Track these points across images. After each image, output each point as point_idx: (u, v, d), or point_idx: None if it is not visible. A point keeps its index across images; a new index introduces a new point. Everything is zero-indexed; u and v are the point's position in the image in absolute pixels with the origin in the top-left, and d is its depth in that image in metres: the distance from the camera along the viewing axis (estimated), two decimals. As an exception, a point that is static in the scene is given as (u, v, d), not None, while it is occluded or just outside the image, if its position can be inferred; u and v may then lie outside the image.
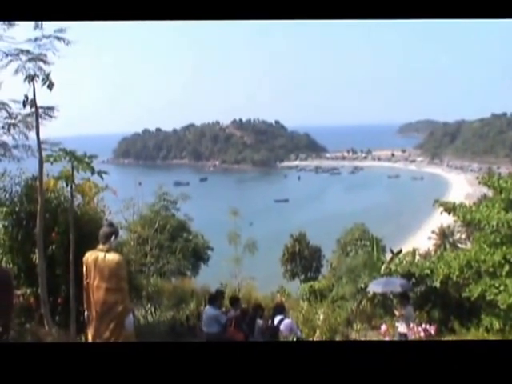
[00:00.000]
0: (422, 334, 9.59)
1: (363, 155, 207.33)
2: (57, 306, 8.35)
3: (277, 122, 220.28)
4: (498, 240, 11.96)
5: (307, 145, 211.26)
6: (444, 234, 44.41)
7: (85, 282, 5.67)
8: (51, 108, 7.67)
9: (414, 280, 13.67)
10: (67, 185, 8.31)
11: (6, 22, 6.65)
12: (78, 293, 6.74)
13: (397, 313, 10.60)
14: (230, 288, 15.91)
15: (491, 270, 11.53)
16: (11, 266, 8.54)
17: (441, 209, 13.62)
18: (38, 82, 7.10)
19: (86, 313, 5.78)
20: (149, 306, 11.80)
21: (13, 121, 7.72)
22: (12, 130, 7.76)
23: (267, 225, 76.54)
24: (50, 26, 7.10)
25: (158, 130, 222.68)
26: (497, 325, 11.35)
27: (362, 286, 15.04)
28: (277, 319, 8.92)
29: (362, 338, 11.75)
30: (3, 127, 7.71)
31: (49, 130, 7.75)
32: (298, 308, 13.65)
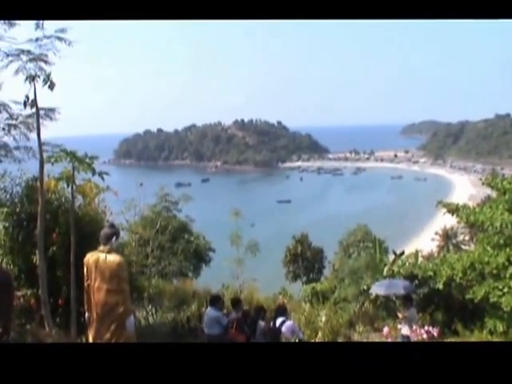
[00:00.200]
0: (425, 336, 9.58)
1: (366, 156, 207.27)
2: (57, 307, 8.35)
3: (279, 123, 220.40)
4: (501, 242, 11.93)
5: (309, 145, 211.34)
6: (447, 236, 44.34)
7: (85, 284, 5.67)
8: (52, 110, 7.67)
9: (416, 282, 13.64)
10: (68, 186, 8.31)
11: (7, 22, 6.66)
12: (79, 294, 6.74)
13: (400, 315, 10.58)
14: (232, 289, 15.90)
15: (495, 271, 11.50)
16: (12, 267, 8.55)
17: (444, 210, 13.59)
18: (39, 83, 7.11)
19: (86, 314, 5.78)
20: (150, 307, 11.80)
21: (14, 122, 7.73)
22: (13, 131, 7.77)
23: (269, 226, 76.51)
24: (50, 26, 7.11)
25: (160, 130, 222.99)
26: (500, 327, 11.31)
27: (365, 287, 15.02)
28: (279, 321, 8.91)
29: (365, 340, 11.73)
30: (4, 128, 7.72)
31: (49, 130, 7.76)
32: (300, 310, 13.64)
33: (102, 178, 8.42)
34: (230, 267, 17.35)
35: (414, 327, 9.82)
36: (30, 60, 7.06)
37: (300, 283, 31.33)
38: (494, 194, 14.65)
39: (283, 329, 8.73)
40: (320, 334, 10.80)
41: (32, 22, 6.89)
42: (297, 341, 8.34)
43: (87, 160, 7.90)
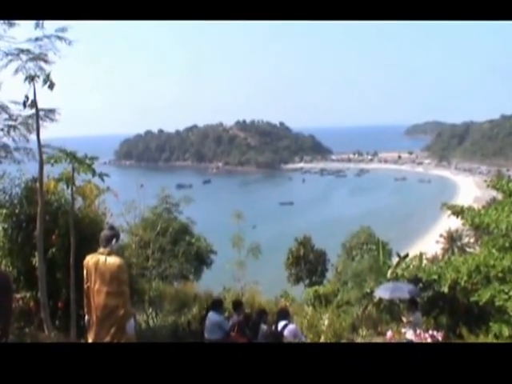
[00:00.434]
0: (429, 340, 9.55)
1: (369, 157, 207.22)
2: (57, 310, 8.35)
3: (281, 124, 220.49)
4: (507, 244, 11.89)
5: (312, 146, 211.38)
6: (452, 238, 44.29)
7: (85, 286, 5.67)
8: (52, 110, 7.68)
9: (421, 285, 13.61)
10: (68, 187, 8.31)
11: (7, 22, 6.67)
12: (79, 297, 6.74)
13: (404, 319, 10.55)
14: (233, 292, 15.89)
15: (500, 275, 11.46)
16: (11, 269, 8.56)
17: (449, 212, 13.56)
18: (39, 83, 7.11)
19: (86, 317, 5.78)
20: (150, 310, 11.80)
21: (13, 123, 7.73)
22: (12, 133, 7.77)
23: (271, 228, 76.55)
24: (50, 26, 7.12)
25: (161, 131, 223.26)
26: (506, 331, 11.27)
27: (368, 290, 15.00)
28: (281, 324, 8.90)
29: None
30: (3, 129, 7.73)
31: (49, 131, 7.76)
32: (303, 313, 13.62)
33: (102, 179, 8.43)
34: (232, 270, 17.33)
35: (418, 331, 9.80)
36: (30, 59, 7.07)
37: (302, 286, 31.28)
38: (499, 196, 14.60)
39: (285, 332, 8.72)
40: (323, 338, 10.78)
41: (32, 22, 6.90)
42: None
43: (87, 161, 7.90)
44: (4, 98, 7.59)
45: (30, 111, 7.44)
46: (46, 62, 7.14)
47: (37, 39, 7.12)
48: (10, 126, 7.75)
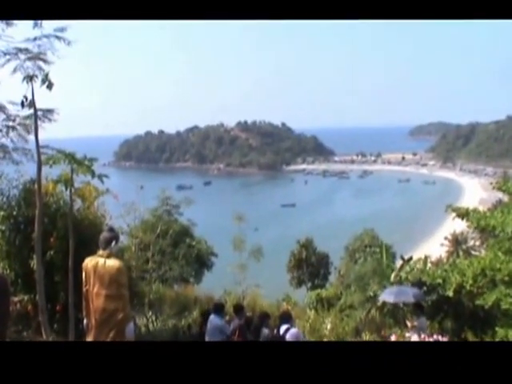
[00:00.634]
0: (434, 344, 9.51)
1: (373, 158, 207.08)
2: (55, 313, 8.36)
3: (283, 124, 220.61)
4: (513, 247, 11.87)
5: (315, 148, 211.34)
6: (457, 241, 44.19)
7: (84, 289, 5.66)
8: (51, 111, 7.68)
9: (425, 288, 13.58)
10: (66, 188, 8.31)
11: (4, 21, 6.68)
12: (77, 300, 6.74)
13: (409, 324, 10.51)
14: (235, 296, 15.90)
15: (507, 278, 11.42)
16: (8, 271, 8.56)
17: (453, 214, 13.53)
18: (37, 82, 7.11)
19: (85, 321, 5.77)
20: (150, 313, 11.80)
21: (11, 123, 7.74)
22: (10, 133, 7.78)
23: (273, 230, 76.53)
24: (49, 25, 7.12)
25: (161, 131, 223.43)
26: (512, 336, 11.24)
27: (371, 294, 14.97)
28: (283, 328, 8.87)
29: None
30: (1, 130, 7.73)
31: (48, 131, 7.77)
32: (305, 317, 13.63)
33: (102, 181, 8.43)
34: (233, 272, 17.34)
35: (423, 336, 9.77)
36: (29, 59, 7.08)
37: (305, 289, 31.29)
38: (505, 198, 14.59)
39: (287, 336, 8.69)
40: (325, 342, 10.75)
41: (30, 22, 6.91)
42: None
43: (86, 162, 7.90)
44: (2, 98, 7.60)
45: (28, 111, 7.45)
46: (44, 61, 7.15)
47: (35, 39, 7.12)
48: (8, 127, 7.76)
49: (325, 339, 10.85)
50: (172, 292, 15.74)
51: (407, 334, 10.43)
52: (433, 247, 49.82)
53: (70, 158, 7.73)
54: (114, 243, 5.61)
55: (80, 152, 8.09)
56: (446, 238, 46.50)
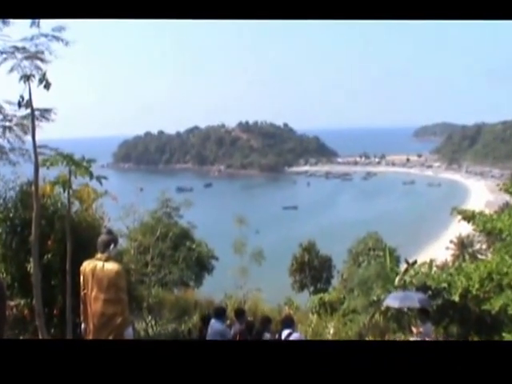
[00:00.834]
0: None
1: (376, 160, 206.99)
2: (52, 317, 8.35)
3: (285, 125, 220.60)
4: (520, 251, 11.86)
5: (317, 149, 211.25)
6: (463, 244, 44.15)
7: (82, 293, 5.66)
8: (48, 110, 7.69)
9: (430, 293, 13.57)
10: (64, 190, 8.33)
11: (1, 20, 6.69)
12: (75, 304, 6.74)
13: (414, 330, 10.47)
14: (235, 300, 15.89)
15: (514, 282, 11.42)
16: (4, 275, 8.56)
17: (459, 217, 13.52)
18: (35, 82, 7.12)
19: (83, 325, 5.77)
20: (150, 318, 11.80)
21: (8, 123, 7.74)
22: (7, 134, 7.78)
23: (275, 233, 76.50)
24: (47, 25, 7.13)
25: (161, 132, 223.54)
26: (519, 341, 11.21)
27: (375, 298, 14.97)
28: (285, 333, 8.86)
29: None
30: (-3, 130, 7.74)
31: (45, 132, 7.78)
32: (307, 321, 13.62)
33: (100, 183, 8.45)
34: (234, 276, 17.35)
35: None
36: (26, 58, 7.08)
37: (307, 293, 31.29)
38: (512, 201, 14.58)
39: (289, 341, 8.69)
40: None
41: (27, 21, 6.91)
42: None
43: (84, 163, 7.92)
44: (-2, 99, 7.61)
45: (25, 111, 7.45)
46: (41, 60, 7.16)
47: (32, 38, 7.13)
48: (4, 127, 7.77)
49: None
50: (172, 296, 15.74)
51: (411, 339, 10.41)
52: (438, 251, 49.75)
53: (68, 159, 7.74)
54: (112, 246, 5.61)
55: (78, 153, 8.10)
56: (451, 242, 46.47)
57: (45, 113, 7.64)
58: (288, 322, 9.27)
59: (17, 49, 7.12)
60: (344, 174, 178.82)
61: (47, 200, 8.96)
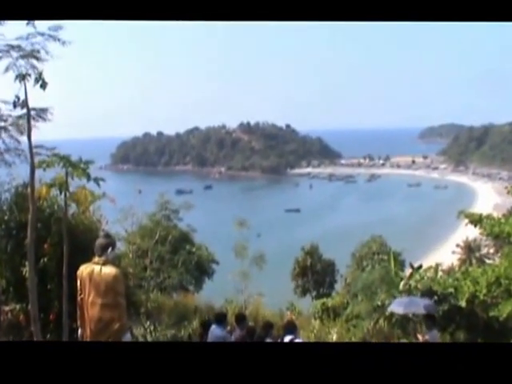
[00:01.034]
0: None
1: (381, 162, 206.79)
2: (48, 322, 8.35)
3: (287, 126, 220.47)
4: (529, 255, 11.83)
5: (320, 150, 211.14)
6: (469, 248, 44.07)
7: (79, 298, 5.66)
8: (44, 110, 7.70)
9: (436, 298, 13.54)
10: (61, 192, 8.34)
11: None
12: (72, 309, 6.74)
13: (420, 336, 10.42)
14: (236, 304, 15.88)
15: (522, 287, 11.40)
16: None
17: (466, 220, 13.51)
18: (30, 82, 7.13)
19: (79, 330, 5.76)
20: (148, 323, 11.78)
21: (3, 123, 7.75)
22: (3, 134, 7.79)
23: (276, 236, 76.48)
24: (42, 23, 7.14)
25: (160, 133, 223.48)
26: (528, 348, 11.16)
27: (379, 303, 14.93)
28: (287, 339, 8.85)
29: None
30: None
31: (41, 132, 7.78)
32: (310, 327, 13.60)
33: (98, 185, 8.45)
34: (235, 280, 17.36)
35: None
36: (21, 57, 7.09)
37: (309, 298, 31.23)
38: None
39: (291, 348, 8.67)
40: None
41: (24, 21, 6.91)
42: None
43: (82, 165, 7.93)
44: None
45: (20, 111, 7.46)
46: (37, 59, 7.16)
47: (28, 36, 7.14)
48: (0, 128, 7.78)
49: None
50: (171, 301, 15.72)
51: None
52: (444, 255, 49.70)
53: (65, 160, 7.75)
54: (110, 250, 5.61)
55: (75, 154, 8.11)
56: (457, 245, 46.39)
57: (41, 113, 7.65)
58: (290, 328, 9.26)
59: (12, 47, 7.13)
60: (347, 176, 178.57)
61: (43, 202, 8.96)
